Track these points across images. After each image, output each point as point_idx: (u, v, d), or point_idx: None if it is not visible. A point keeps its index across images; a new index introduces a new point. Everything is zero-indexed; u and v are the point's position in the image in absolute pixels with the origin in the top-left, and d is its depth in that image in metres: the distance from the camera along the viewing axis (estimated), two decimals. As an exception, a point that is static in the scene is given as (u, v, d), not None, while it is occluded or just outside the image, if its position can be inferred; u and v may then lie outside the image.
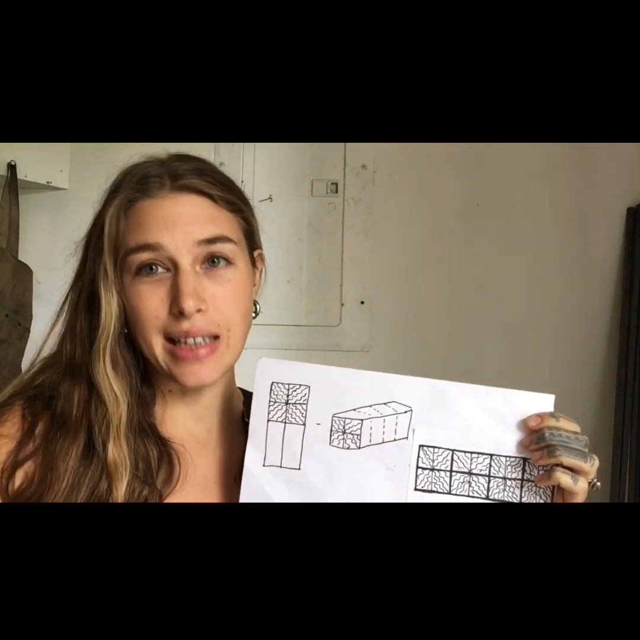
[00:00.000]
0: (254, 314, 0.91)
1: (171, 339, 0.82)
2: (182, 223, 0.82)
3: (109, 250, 0.83)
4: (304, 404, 0.81)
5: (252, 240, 0.90)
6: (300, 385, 0.81)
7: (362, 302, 2.30)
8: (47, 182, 2.26)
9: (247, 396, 0.92)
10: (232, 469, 0.86)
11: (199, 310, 0.81)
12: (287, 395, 0.81)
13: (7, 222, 2.15)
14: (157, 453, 0.84)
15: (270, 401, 0.82)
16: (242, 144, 2.27)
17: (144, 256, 0.81)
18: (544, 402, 0.79)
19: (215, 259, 0.83)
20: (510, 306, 2.25)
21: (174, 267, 0.82)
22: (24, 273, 2.16)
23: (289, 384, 0.81)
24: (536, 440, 0.77)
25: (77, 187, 2.31)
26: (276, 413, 0.82)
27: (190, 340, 0.82)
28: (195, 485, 0.85)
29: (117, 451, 0.81)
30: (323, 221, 2.31)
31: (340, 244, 2.31)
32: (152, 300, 0.82)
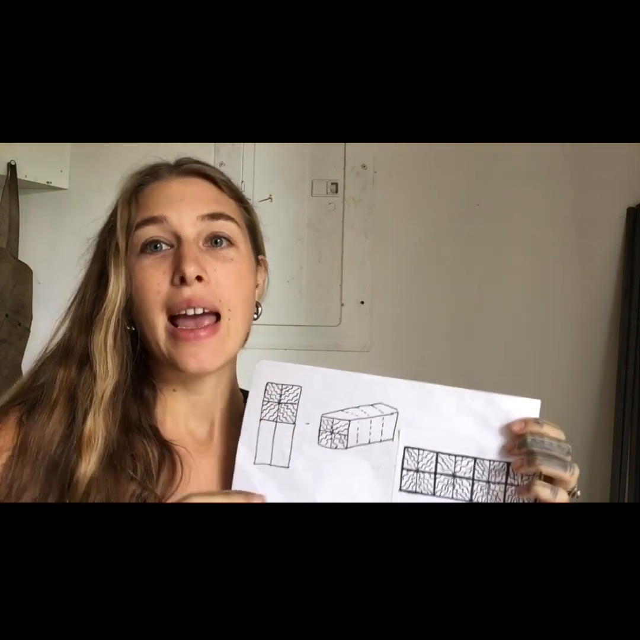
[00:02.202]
0: (255, 315, 0.91)
1: (173, 319, 0.82)
2: (186, 200, 0.85)
3: (122, 229, 0.84)
4: (295, 403, 0.82)
5: (254, 232, 0.92)
6: (293, 385, 0.82)
7: (362, 302, 2.30)
8: (47, 182, 2.26)
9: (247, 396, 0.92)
10: (233, 471, 0.86)
11: (199, 278, 0.81)
12: (280, 395, 0.82)
13: (7, 222, 2.15)
14: (157, 455, 0.83)
15: (263, 400, 0.83)
16: (242, 144, 2.27)
17: (149, 231, 0.83)
18: (529, 407, 0.78)
19: (218, 240, 0.85)
20: (510, 306, 2.25)
21: (177, 242, 0.83)
22: (24, 273, 2.16)
23: (282, 384, 0.83)
24: (518, 445, 0.77)
25: (77, 187, 2.31)
26: (268, 412, 0.83)
27: (191, 311, 0.82)
28: (196, 487, 0.84)
29: (94, 424, 0.80)
30: (323, 221, 2.31)
31: (340, 244, 2.31)
32: (154, 275, 0.83)
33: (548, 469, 0.75)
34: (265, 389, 0.83)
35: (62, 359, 0.85)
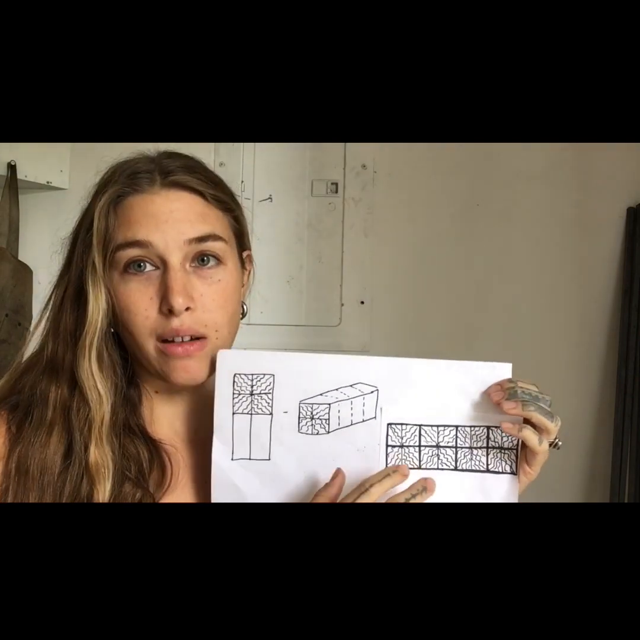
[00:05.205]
0: (241, 316, 0.90)
1: (162, 340, 0.81)
2: (172, 220, 0.81)
3: (98, 245, 0.81)
4: (269, 393, 0.80)
5: (241, 240, 0.89)
6: (264, 374, 0.80)
7: (362, 302, 2.30)
8: (47, 182, 2.26)
9: None
10: None
11: (187, 309, 0.80)
12: (251, 386, 0.80)
13: (7, 222, 2.15)
14: (147, 454, 0.83)
15: (233, 393, 0.80)
16: (242, 144, 2.28)
17: (133, 253, 0.80)
18: (502, 371, 0.80)
19: (205, 257, 0.82)
20: (510, 306, 2.25)
21: (163, 265, 0.81)
22: (24, 273, 2.15)
23: (252, 374, 0.80)
24: (508, 396, 0.78)
25: (77, 187, 2.30)
26: (241, 405, 0.80)
27: (179, 339, 0.80)
28: (185, 486, 0.85)
29: (99, 453, 0.79)
30: (323, 221, 2.31)
31: (340, 244, 2.31)
32: (142, 300, 0.80)
33: (538, 416, 0.77)
34: (234, 381, 0.80)
35: (51, 375, 0.83)
